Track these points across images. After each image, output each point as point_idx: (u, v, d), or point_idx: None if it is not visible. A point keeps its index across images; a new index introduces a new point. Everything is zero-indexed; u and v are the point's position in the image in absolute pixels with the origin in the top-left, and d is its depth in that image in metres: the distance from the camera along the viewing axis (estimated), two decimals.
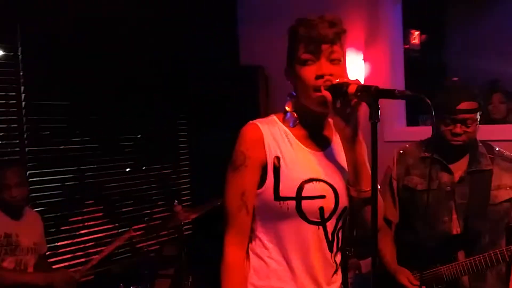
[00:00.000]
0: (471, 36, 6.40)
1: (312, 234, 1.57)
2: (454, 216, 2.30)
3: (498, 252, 2.19)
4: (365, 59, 3.94)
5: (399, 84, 3.94)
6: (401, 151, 2.46)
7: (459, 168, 2.33)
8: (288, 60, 1.61)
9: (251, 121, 1.62)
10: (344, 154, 1.61)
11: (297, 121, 1.62)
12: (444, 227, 2.30)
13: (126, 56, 4.01)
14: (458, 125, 2.23)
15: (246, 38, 4.53)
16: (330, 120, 1.65)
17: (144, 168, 4.29)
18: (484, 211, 2.26)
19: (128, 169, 4.18)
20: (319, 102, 1.52)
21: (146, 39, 4.14)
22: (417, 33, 5.45)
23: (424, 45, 5.69)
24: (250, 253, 1.62)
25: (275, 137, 1.59)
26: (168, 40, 4.29)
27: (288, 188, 1.54)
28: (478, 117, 2.26)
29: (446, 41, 6.74)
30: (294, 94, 1.62)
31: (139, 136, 4.31)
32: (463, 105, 2.22)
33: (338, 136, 1.64)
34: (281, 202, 1.54)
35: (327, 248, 1.60)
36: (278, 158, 1.56)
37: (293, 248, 1.57)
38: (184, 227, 3.49)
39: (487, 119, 4.08)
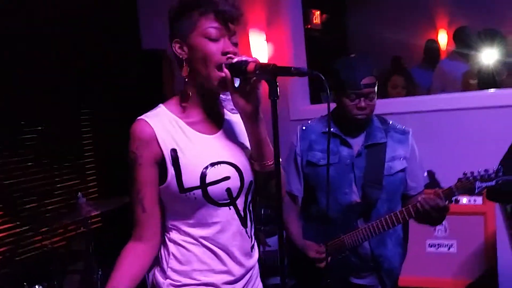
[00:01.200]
0: (371, 13, 6.62)
1: (225, 215, 1.59)
2: (354, 188, 2.39)
3: (392, 215, 2.31)
4: (267, 40, 3.98)
5: (301, 64, 4.02)
6: (304, 127, 2.52)
7: (358, 142, 2.42)
8: (180, 32, 1.56)
9: (139, 117, 1.57)
10: (239, 131, 1.64)
11: (190, 98, 1.60)
12: (345, 198, 2.39)
13: (25, 43, 3.76)
14: (362, 99, 2.31)
15: (147, 21, 4.42)
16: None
17: (46, 161, 4.07)
18: (380, 181, 2.37)
19: (29, 163, 3.95)
20: (219, 81, 1.52)
21: (45, 25, 3.91)
22: (318, 12, 5.57)
23: (325, 24, 5.83)
24: (168, 242, 1.62)
25: (167, 128, 1.56)
26: (67, 26, 4.07)
27: (191, 178, 1.53)
28: (376, 89, 2.36)
29: (346, 20, 6.94)
30: (187, 69, 1.57)
31: (39, 128, 4.08)
32: (366, 80, 2.31)
33: (228, 114, 1.67)
34: (188, 193, 1.54)
35: (241, 225, 1.63)
36: (174, 150, 1.54)
37: (209, 231, 1.58)
38: (92, 220, 3.38)
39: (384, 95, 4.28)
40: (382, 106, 2.83)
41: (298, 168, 2.50)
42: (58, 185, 4.14)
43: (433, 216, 2.26)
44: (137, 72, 4.19)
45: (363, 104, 2.31)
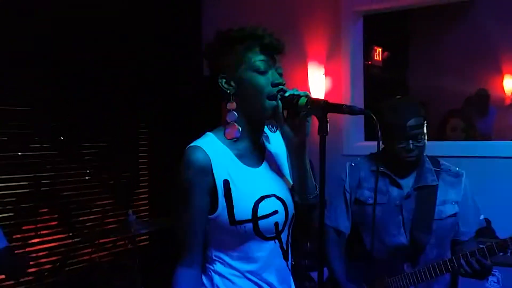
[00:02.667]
0: (434, 54, 6.54)
1: (270, 248, 1.60)
2: (402, 230, 2.34)
3: (441, 263, 2.25)
4: (326, 74, 3.99)
5: (358, 100, 4.00)
6: (353, 164, 2.50)
7: (408, 183, 2.38)
8: (226, 67, 1.57)
9: (194, 144, 1.57)
10: (280, 163, 1.66)
11: (240, 132, 1.58)
12: (392, 240, 2.34)
13: (87, 61, 3.94)
14: (410, 141, 2.27)
15: None
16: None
17: (103, 177, 4.20)
18: (430, 225, 2.31)
19: (87, 177, 4.09)
20: (271, 111, 1.53)
21: (109, 46, 4.08)
22: (379, 50, 5.55)
23: (386, 62, 5.79)
24: (212, 274, 1.62)
25: (220, 159, 1.56)
26: (131, 46, 4.24)
27: (242, 211, 1.55)
28: (425, 130, 2.32)
29: (408, 59, 6.87)
30: (235, 104, 1.57)
31: (100, 144, 4.23)
32: (412, 121, 2.27)
33: (272, 144, 1.69)
34: (238, 226, 1.54)
35: (283, 259, 1.64)
36: (227, 181, 1.55)
37: (254, 264, 1.59)
38: (140, 238, 3.44)
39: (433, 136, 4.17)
40: (440, 148, 2.78)
41: (347, 204, 2.47)
42: (111, 201, 4.25)
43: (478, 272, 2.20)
44: (196, 97, 4.28)
45: (411, 146, 2.27)
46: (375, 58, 5.56)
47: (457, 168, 2.42)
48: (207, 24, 4.63)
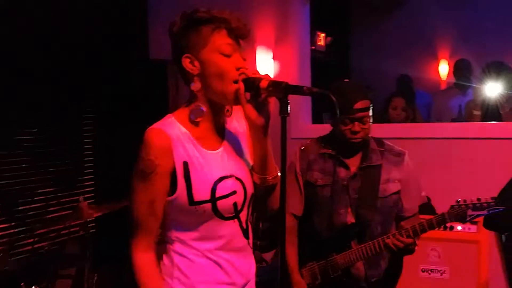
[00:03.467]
0: (374, 39, 6.73)
1: (230, 228, 1.62)
2: (349, 209, 2.43)
3: (385, 238, 2.35)
4: (274, 57, 4.03)
5: (306, 83, 4.06)
6: (302, 147, 2.56)
7: (354, 163, 2.46)
8: (191, 48, 1.57)
9: (154, 127, 1.57)
10: (240, 144, 1.69)
11: (204, 113, 1.59)
12: (340, 219, 2.42)
13: (26, 44, 3.78)
14: (356, 123, 2.35)
15: (155, 31, 4.47)
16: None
17: (45, 163, 4.08)
18: (374, 203, 2.40)
19: (24, 165, 3.95)
20: (234, 94, 1.54)
21: (48, 28, 3.93)
22: (322, 35, 5.63)
23: (329, 47, 5.88)
24: (172, 253, 1.62)
25: (180, 141, 1.57)
26: (73, 30, 4.11)
27: (201, 191, 1.56)
28: (371, 113, 2.41)
29: (350, 44, 7.03)
30: (199, 84, 1.57)
31: (35, 130, 4.08)
32: (359, 104, 2.34)
33: (230, 126, 1.70)
34: (197, 206, 1.55)
35: (243, 237, 1.66)
36: (186, 163, 1.56)
37: (213, 244, 1.61)
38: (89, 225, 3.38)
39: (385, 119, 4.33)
40: (383, 131, 2.88)
41: (299, 188, 2.52)
42: (55, 188, 4.13)
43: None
44: (142, 80, 4.22)
45: (357, 128, 2.35)
46: (319, 43, 5.63)
47: (399, 148, 2.51)
48: (152, 7, 4.56)
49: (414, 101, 5.26)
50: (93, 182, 4.42)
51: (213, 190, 1.56)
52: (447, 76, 6.57)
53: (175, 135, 1.56)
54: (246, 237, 1.68)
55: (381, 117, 4.27)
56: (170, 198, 1.57)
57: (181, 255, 1.61)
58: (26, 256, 3.78)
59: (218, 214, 1.58)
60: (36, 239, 3.72)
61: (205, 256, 1.61)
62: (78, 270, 3.53)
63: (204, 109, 1.59)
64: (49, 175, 4.10)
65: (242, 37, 1.58)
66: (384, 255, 2.45)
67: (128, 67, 4.29)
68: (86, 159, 4.43)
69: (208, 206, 1.56)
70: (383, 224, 2.44)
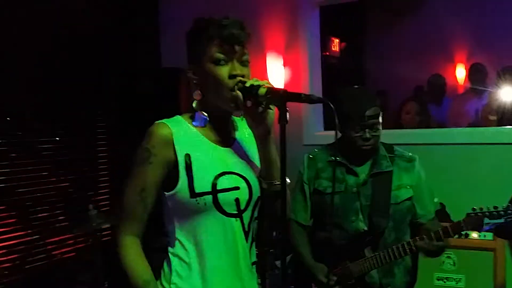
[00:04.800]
0: (390, 43, 6.67)
1: (231, 226, 1.61)
2: (361, 216, 2.40)
3: (399, 246, 2.32)
4: (284, 64, 4.02)
5: (317, 90, 4.05)
6: (310, 156, 2.55)
7: (364, 170, 2.44)
8: (193, 58, 1.61)
9: (160, 121, 1.62)
10: (249, 149, 1.69)
11: (207, 120, 1.63)
12: (352, 226, 2.40)
13: (44, 55, 3.85)
14: (367, 130, 2.34)
15: (168, 40, 4.51)
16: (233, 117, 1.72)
17: (61, 172, 4.13)
18: (387, 210, 2.37)
19: (44, 173, 4.01)
20: (232, 102, 1.55)
21: (64, 38, 3.99)
22: (336, 40, 5.62)
23: (344, 52, 5.88)
24: (171, 256, 1.63)
25: (184, 135, 1.59)
26: (87, 39, 4.16)
27: (203, 183, 1.56)
28: (381, 120, 2.39)
29: (365, 49, 6.99)
30: (200, 94, 1.62)
31: (57, 139, 4.15)
32: (369, 111, 2.33)
33: (240, 132, 1.72)
34: (198, 198, 1.56)
35: (244, 239, 1.65)
36: (188, 155, 1.57)
37: (213, 245, 1.60)
38: (102, 233, 3.40)
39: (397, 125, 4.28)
40: (396, 136, 2.85)
41: (305, 197, 2.52)
42: (71, 196, 4.17)
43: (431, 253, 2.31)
44: (154, 89, 4.25)
45: (367, 135, 2.33)
46: (333, 48, 5.63)
47: (410, 154, 2.49)
48: (164, 16, 4.60)
49: (442, 103, 5.19)
50: (107, 191, 4.46)
51: (215, 183, 1.57)
52: (464, 80, 6.48)
53: (179, 128, 1.59)
54: (247, 239, 1.66)
55: (395, 122, 4.23)
56: (172, 191, 1.57)
57: (179, 258, 1.62)
58: (41, 263, 3.83)
59: (219, 208, 1.58)
60: (51, 246, 3.77)
61: (204, 256, 1.60)
62: (93, 278, 3.56)
63: (207, 117, 1.62)
64: (65, 183, 4.14)
65: (237, 43, 1.57)
66: (398, 262, 2.41)
67: (141, 75, 4.32)
68: (101, 167, 4.47)
69: (209, 198, 1.56)
70: (396, 232, 2.41)
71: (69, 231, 3.74)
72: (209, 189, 1.56)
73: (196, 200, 1.56)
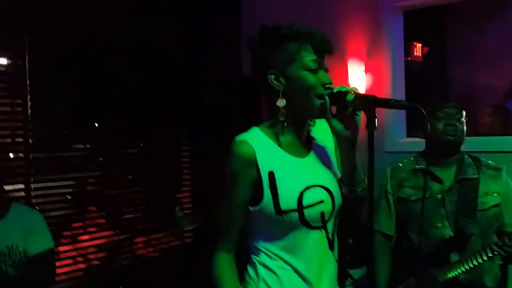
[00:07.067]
0: (473, 49, 6.42)
1: (316, 238, 1.62)
2: (447, 223, 2.39)
3: (485, 247, 2.27)
4: (366, 70, 3.98)
5: (400, 96, 3.96)
6: (392, 168, 2.58)
7: (448, 177, 2.42)
8: (276, 64, 1.58)
9: (239, 138, 1.61)
10: (327, 155, 1.70)
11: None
12: (438, 233, 2.37)
13: (130, 66, 4.03)
14: (450, 117, 2.39)
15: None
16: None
17: (147, 177, 4.31)
18: (474, 216, 2.35)
19: (130, 177, 4.20)
20: (320, 109, 1.56)
21: (150, 50, 4.16)
22: (419, 45, 5.48)
23: (426, 57, 5.72)
24: (257, 265, 1.65)
25: (265, 151, 1.59)
26: (170, 50, 4.31)
27: (288, 200, 1.57)
28: (464, 119, 2.41)
29: (448, 55, 6.77)
30: (284, 102, 1.58)
31: (141, 144, 4.34)
32: (451, 104, 2.44)
33: (316, 140, 1.72)
34: (284, 215, 1.57)
35: (329, 248, 1.66)
36: (272, 173, 1.58)
37: (300, 255, 1.61)
38: (186, 234, 3.51)
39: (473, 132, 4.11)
40: (475, 144, 2.79)
41: (389, 207, 2.53)
42: (156, 199, 4.33)
43: None
44: (236, 97, 4.34)
45: (450, 121, 2.37)
46: (415, 53, 5.49)
47: (496, 164, 2.47)
48: (246, 23, 4.67)
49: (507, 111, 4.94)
50: (190, 194, 4.60)
51: (300, 199, 1.57)
52: None
53: (260, 145, 1.59)
54: (332, 249, 1.67)
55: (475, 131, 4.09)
56: (256, 208, 1.59)
57: (266, 267, 1.63)
58: (127, 262, 4.00)
59: (305, 223, 1.58)
60: (137, 246, 3.93)
61: (290, 267, 1.61)
62: (177, 278, 3.67)
63: (286, 124, 1.61)
64: (150, 186, 4.32)
65: (327, 53, 1.60)
66: (487, 271, 2.36)
67: (222, 84, 4.42)
68: (184, 171, 4.61)
69: (295, 215, 1.57)
70: (483, 239, 2.37)
71: (157, 231, 3.87)
72: (294, 206, 1.57)
73: (282, 217, 1.57)
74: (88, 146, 3.99)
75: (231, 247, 1.68)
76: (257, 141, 1.60)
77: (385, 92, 3.88)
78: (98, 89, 3.89)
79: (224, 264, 1.66)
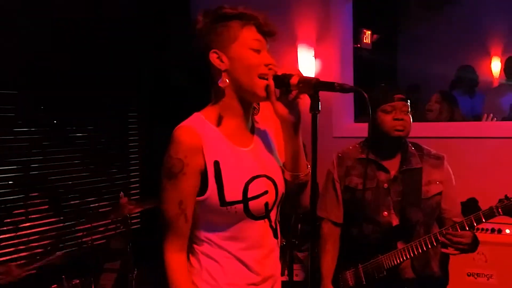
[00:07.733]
0: (424, 37, 6.56)
1: (260, 228, 1.61)
2: (392, 211, 2.42)
3: (431, 236, 2.32)
4: (316, 56, 4.00)
5: (348, 82, 4.01)
6: (340, 155, 2.57)
7: (393, 166, 2.45)
8: (219, 43, 1.55)
9: (183, 124, 1.55)
10: (270, 141, 1.67)
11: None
12: (384, 221, 2.41)
13: (76, 47, 3.91)
14: (398, 110, 2.37)
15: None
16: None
17: (92, 160, 4.20)
18: (418, 205, 2.39)
19: (77, 161, 4.09)
20: (263, 89, 1.53)
21: (99, 30, 4.06)
22: (368, 32, 5.54)
23: (376, 45, 5.79)
24: (200, 255, 1.60)
25: (210, 139, 1.54)
26: (120, 31, 4.20)
27: (233, 192, 1.54)
28: (410, 110, 2.42)
29: (397, 42, 6.88)
30: (227, 80, 1.54)
31: (89, 127, 4.22)
32: (398, 95, 2.40)
33: (259, 124, 1.69)
34: (228, 207, 1.53)
35: (273, 237, 1.65)
36: (217, 162, 1.53)
37: (243, 244, 1.59)
38: (132, 220, 3.45)
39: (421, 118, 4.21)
40: (422, 130, 2.83)
41: (337, 195, 2.54)
42: (102, 184, 4.25)
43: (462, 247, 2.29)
44: (184, 79, 4.28)
45: (399, 115, 2.36)
46: (364, 40, 5.54)
47: (437, 152, 2.51)
48: (195, 7, 4.60)
49: (474, 94, 5.09)
50: (138, 179, 4.52)
51: (245, 191, 1.54)
52: (500, 74, 6.33)
53: (205, 133, 1.54)
54: (275, 236, 1.66)
55: (422, 117, 4.17)
56: (200, 198, 1.54)
57: (209, 257, 1.59)
58: (71, 250, 3.90)
59: (249, 215, 1.56)
60: (81, 233, 3.84)
61: (234, 257, 1.59)
62: (121, 265, 3.61)
63: (231, 104, 1.57)
64: (96, 172, 4.21)
65: (269, 35, 1.57)
66: (432, 256, 2.42)
67: (170, 65, 4.35)
68: (131, 156, 4.53)
69: (240, 206, 1.54)
70: (426, 225, 2.43)
71: (101, 218, 3.80)
72: (239, 198, 1.53)
73: (227, 209, 1.53)
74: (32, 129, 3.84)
75: (183, 246, 1.58)
76: (202, 129, 1.54)
77: (334, 78, 3.91)
78: (43, 69, 3.73)
79: (179, 268, 1.57)
